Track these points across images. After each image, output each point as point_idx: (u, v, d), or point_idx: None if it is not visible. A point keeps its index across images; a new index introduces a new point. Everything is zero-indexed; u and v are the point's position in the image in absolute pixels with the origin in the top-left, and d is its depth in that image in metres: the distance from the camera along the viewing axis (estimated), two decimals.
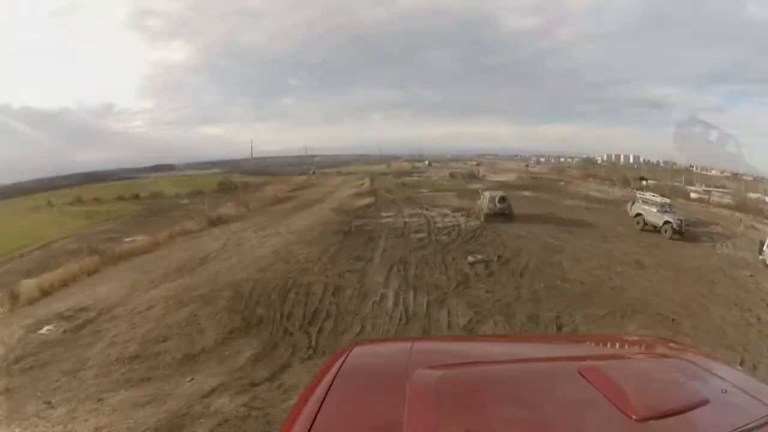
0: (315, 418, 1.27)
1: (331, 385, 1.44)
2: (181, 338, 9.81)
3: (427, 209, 23.41)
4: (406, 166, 40.39)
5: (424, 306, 11.34)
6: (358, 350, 1.76)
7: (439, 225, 19.49)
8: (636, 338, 2.13)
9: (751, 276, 14.93)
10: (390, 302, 11.57)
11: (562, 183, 34.41)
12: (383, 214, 22.41)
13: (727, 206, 25.53)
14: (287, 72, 40.85)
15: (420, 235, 17.82)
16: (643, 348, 2.07)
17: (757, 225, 22.61)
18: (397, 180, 34.37)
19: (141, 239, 23.12)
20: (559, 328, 10.36)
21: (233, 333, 9.96)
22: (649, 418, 1.24)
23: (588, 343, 2.35)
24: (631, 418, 1.24)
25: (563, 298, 11.99)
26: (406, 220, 20.71)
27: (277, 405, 6.97)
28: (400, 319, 10.77)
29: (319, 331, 10.26)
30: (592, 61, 37.29)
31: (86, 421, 6.96)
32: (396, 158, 41.61)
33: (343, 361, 1.62)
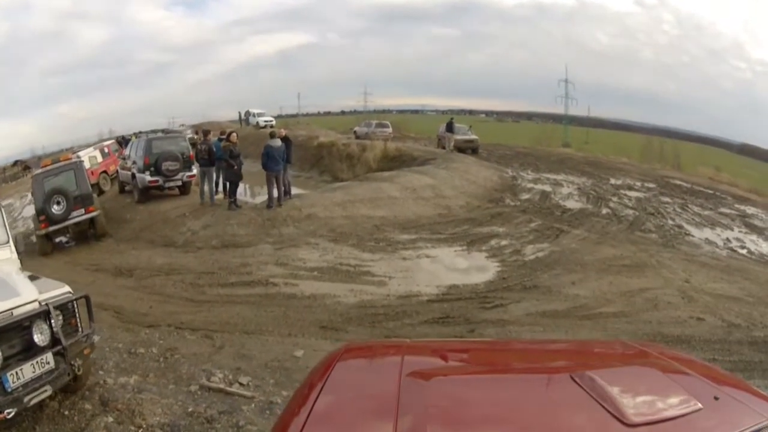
0: (305, 424, 1.24)
1: (321, 391, 1.41)
2: None
3: None
4: None
5: None
6: (348, 354, 1.74)
7: None
8: (629, 344, 2.12)
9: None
10: None
11: None
12: None
13: None
14: None
15: None
16: (635, 354, 2.06)
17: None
18: None
19: None
20: None
21: None
22: (642, 424, 1.22)
23: (580, 348, 2.34)
24: (624, 424, 1.22)
25: None
26: None
27: None
28: None
29: None
30: None
31: None
32: None
33: (334, 365, 1.59)
